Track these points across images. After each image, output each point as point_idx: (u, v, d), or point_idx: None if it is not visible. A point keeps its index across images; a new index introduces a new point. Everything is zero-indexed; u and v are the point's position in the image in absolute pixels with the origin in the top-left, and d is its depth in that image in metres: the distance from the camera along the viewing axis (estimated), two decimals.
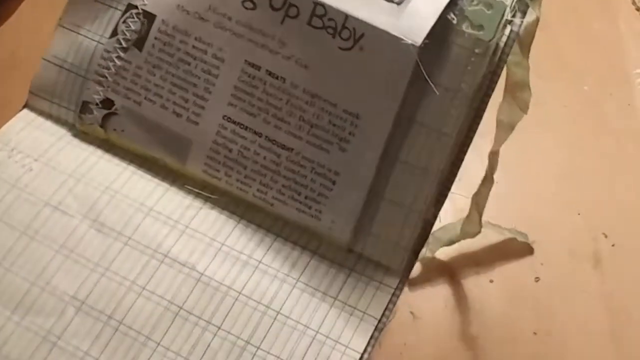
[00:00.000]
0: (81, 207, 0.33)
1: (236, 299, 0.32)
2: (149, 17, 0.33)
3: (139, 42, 0.34)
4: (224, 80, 0.33)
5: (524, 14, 0.32)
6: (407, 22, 0.31)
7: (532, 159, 0.51)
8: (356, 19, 0.31)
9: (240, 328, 0.31)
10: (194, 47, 0.33)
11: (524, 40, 0.33)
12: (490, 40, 0.31)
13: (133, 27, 0.34)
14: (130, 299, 0.31)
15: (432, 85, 0.31)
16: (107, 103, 0.34)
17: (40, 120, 0.35)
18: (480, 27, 0.31)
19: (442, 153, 0.32)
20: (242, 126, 0.33)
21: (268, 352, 0.31)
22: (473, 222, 0.44)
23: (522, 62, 0.35)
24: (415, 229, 0.32)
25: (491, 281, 0.47)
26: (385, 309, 0.32)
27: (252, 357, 0.31)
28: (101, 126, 0.35)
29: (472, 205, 0.44)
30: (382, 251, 0.32)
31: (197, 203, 0.34)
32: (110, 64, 0.34)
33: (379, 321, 0.31)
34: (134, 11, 0.34)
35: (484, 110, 0.33)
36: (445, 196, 0.32)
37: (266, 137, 0.33)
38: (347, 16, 0.31)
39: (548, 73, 0.54)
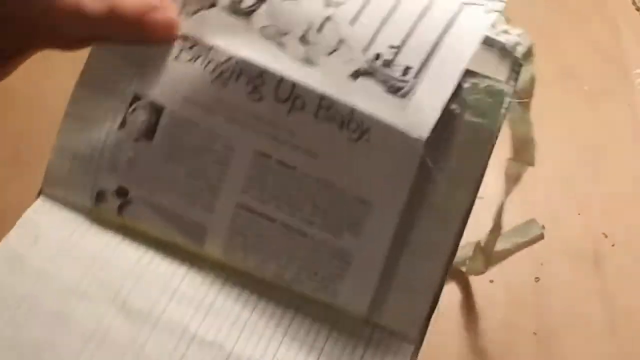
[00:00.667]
0: (107, 293, 0.33)
1: None
2: (157, 108, 0.34)
3: (149, 133, 0.34)
4: (235, 169, 0.33)
5: (517, 74, 0.33)
6: (412, 115, 0.31)
7: None
8: (362, 113, 0.32)
9: None
10: (203, 137, 0.33)
11: (523, 98, 0.34)
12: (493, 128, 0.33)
13: (142, 118, 0.34)
14: None
15: (436, 173, 0.32)
16: (121, 192, 0.34)
17: (58, 207, 0.35)
18: (484, 115, 0.33)
19: (449, 234, 0.33)
20: (256, 212, 0.33)
21: None
22: (478, 262, 0.45)
23: (524, 117, 0.36)
24: (427, 300, 0.33)
25: (491, 281, 0.47)
26: None
27: None
28: (118, 214, 0.35)
29: (476, 249, 0.44)
30: (397, 321, 0.33)
31: (219, 282, 0.34)
32: (122, 154, 0.34)
33: None
34: (141, 103, 0.34)
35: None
36: (451, 264, 0.33)
37: (280, 223, 0.33)
38: (352, 110, 0.32)
39: (548, 73, 0.54)
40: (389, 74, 0.32)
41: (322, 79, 0.32)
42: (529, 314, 0.46)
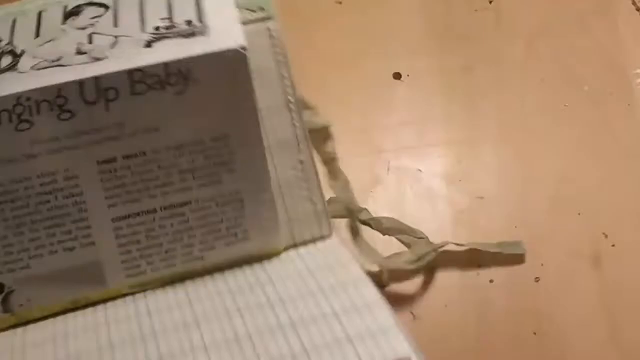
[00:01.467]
0: None
1: None
2: None
3: None
4: (89, 191, 0.32)
5: None
6: (219, 38, 0.32)
7: (532, 159, 0.51)
8: (176, 61, 0.31)
9: None
10: (41, 184, 0.32)
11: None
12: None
13: None
14: None
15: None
16: None
17: None
18: (261, 10, 0.35)
19: (292, 122, 0.34)
20: (133, 215, 0.32)
21: None
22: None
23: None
24: (314, 192, 0.34)
25: (491, 281, 0.47)
26: None
27: None
28: (5, 311, 0.33)
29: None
30: (308, 229, 0.34)
31: (141, 304, 0.33)
32: None
33: None
34: None
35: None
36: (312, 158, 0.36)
37: (161, 207, 0.33)
38: (166, 64, 0.31)
39: (548, 73, 0.54)
40: (176, 31, 0.32)
41: (120, 61, 0.31)
42: (529, 314, 0.46)
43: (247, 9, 0.34)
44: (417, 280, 0.47)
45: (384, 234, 0.46)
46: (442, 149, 0.51)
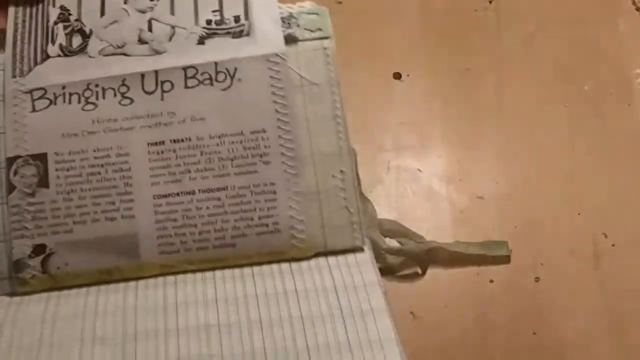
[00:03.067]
0: (71, 344, 0.33)
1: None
2: (40, 157, 0.35)
3: (43, 181, 0.35)
4: (137, 168, 0.36)
5: None
6: (263, 42, 0.37)
7: (532, 159, 0.51)
8: (224, 62, 0.36)
9: None
10: (95, 157, 0.36)
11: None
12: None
13: (29, 173, 0.36)
14: None
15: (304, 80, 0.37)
16: (39, 249, 0.35)
17: None
18: (319, 30, 0.39)
19: (337, 134, 0.37)
20: (173, 195, 0.36)
21: None
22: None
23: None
24: (354, 208, 0.37)
25: (491, 281, 0.47)
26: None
27: None
28: (43, 272, 0.35)
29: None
30: (342, 238, 0.36)
31: (171, 293, 0.34)
32: (24, 214, 0.35)
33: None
34: (19, 161, 0.36)
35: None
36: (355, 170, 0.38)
37: (199, 190, 0.36)
38: (215, 64, 0.36)
39: (548, 73, 0.54)
40: (226, 28, 0.37)
41: (177, 57, 0.36)
42: (529, 314, 0.46)
43: (307, 29, 0.38)
44: (417, 280, 0.47)
45: (385, 236, 0.47)
46: (442, 149, 0.51)
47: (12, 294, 0.35)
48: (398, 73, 0.52)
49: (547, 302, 0.46)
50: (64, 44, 0.37)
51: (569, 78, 0.53)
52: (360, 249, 0.36)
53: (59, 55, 0.37)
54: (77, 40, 0.37)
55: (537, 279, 0.47)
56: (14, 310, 0.34)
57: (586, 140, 0.51)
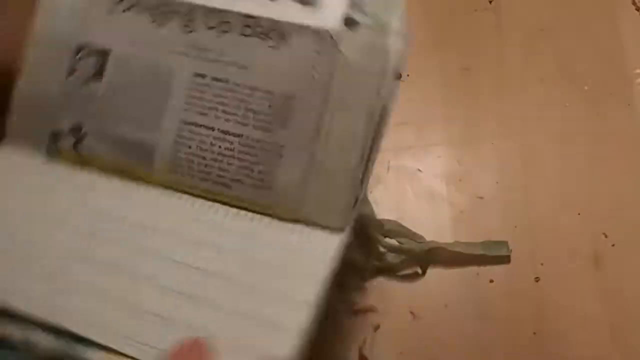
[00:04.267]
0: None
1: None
2: (103, 52, 0.40)
3: (98, 74, 0.40)
4: (176, 90, 0.39)
5: None
6: (321, 15, 0.38)
7: (532, 159, 0.51)
8: (281, 22, 0.38)
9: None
10: (147, 68, 0.40)
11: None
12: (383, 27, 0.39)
13: (89, 63, 0.40)
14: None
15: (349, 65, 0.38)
16: (75, 128, 0.40)
17: (16, 153, 0.41)
18: (377, 17, 0.39)
19: (360, 124, 0.38)
20: (197, 125, 0.39)
21: None
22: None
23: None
24: (347, 190, 0.37)
25: (491, 281, 0.47)
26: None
27: None
28: (73, 149, 0.40)
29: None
30: (321, 212, 0.38)
31: (165, 199, 0.39)
32: (74, 96, 0.40)
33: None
34: (85, 51, 0.40)
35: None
36: (369, 161, 0.38)
37: (218, 129, 0.39)
38: (274, 22, 0.38)
39: (548, 73, 0.54)
40: None
41: (246, 3, 0.39)
42: (529, 314, 0.46)
43: (373, 17, 0.39)
44: (417, 280, 0.47)
45: (385, 236, 0.47)
46: (442, 149, 0.51)
47: (46, 160, 0.40)
48: (398, 73, 0.52)
49: (547, 302, 0.46)
50: None
51: (569, 78, 0.53)
52: (340, 230, 0.38)
53: None
54: None
55: (537, 279, 0.47)
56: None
57: (586, 140, 0.51)
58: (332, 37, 0.38)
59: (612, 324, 0.45)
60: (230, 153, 0.39)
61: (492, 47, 0.55)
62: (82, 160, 0.40)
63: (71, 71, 0.40)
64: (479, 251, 0.47)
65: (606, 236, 0.48)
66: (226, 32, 0.39)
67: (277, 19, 0.39)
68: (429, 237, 0.47)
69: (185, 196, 0.39)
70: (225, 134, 0.39)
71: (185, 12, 0.39)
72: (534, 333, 0.45)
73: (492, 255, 0.47)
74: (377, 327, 0.45)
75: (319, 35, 0.38)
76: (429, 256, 0.47)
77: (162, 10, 0.40)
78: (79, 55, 0.41)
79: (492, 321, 0.46)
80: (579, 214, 0.49)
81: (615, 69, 0.54)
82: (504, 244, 0.47)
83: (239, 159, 0.38)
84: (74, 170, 0.40)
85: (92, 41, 0.40)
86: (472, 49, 0.54)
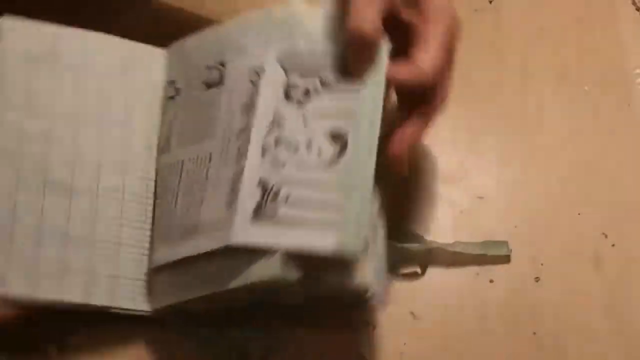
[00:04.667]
0: None
1: None
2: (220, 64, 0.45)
3: (219, 80, 0.44)
4: (253, 146, 0.41)
5: None
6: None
7: (532, 159, 0.51)
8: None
9: None
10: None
11: None
12: None
13: (214, 75, 0.45)
14: None
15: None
16: None
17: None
18: None
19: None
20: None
21: None
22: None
23: None
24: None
25: (491, 281, 0.47)
26: None
27: None
28: None
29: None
30: None
31: None
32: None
33: None
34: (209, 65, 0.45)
35: None
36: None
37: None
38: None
39: (548, 73, 0.54)
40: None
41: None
42: (529, 314, 0.46)
43: None
44: (417, 280, 0.47)
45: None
46: (442, 148, 0.51)
47: None
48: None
49: (547, 302, 0.46)
50: None
51: (569, 78, 0.53)
52: None
53: None
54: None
55: (537, 279, 0.47)
56: None
57: (586, 140, 0.51)
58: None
59: (612, 324, 0.45)
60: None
61: (492, 47, 0.55)
62: None
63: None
64: (479, 251, 0.47)
65: (606, 236, 0.48)
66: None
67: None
68: (429, 237, 0.47)
69: None
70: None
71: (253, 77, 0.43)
72: (534, 333, 0.45)
73: (492, 255, 0.47)
74: (377, 327, 0.45)
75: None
76: (429, 256, 0.47)
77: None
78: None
79: (492, 321, 0.46)
80: (579, 214, 0.49)
81: (615, 69, 0.54)
82: (504, 244, 0.47)
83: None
84: None
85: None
86: (472, 49, 0.54)
